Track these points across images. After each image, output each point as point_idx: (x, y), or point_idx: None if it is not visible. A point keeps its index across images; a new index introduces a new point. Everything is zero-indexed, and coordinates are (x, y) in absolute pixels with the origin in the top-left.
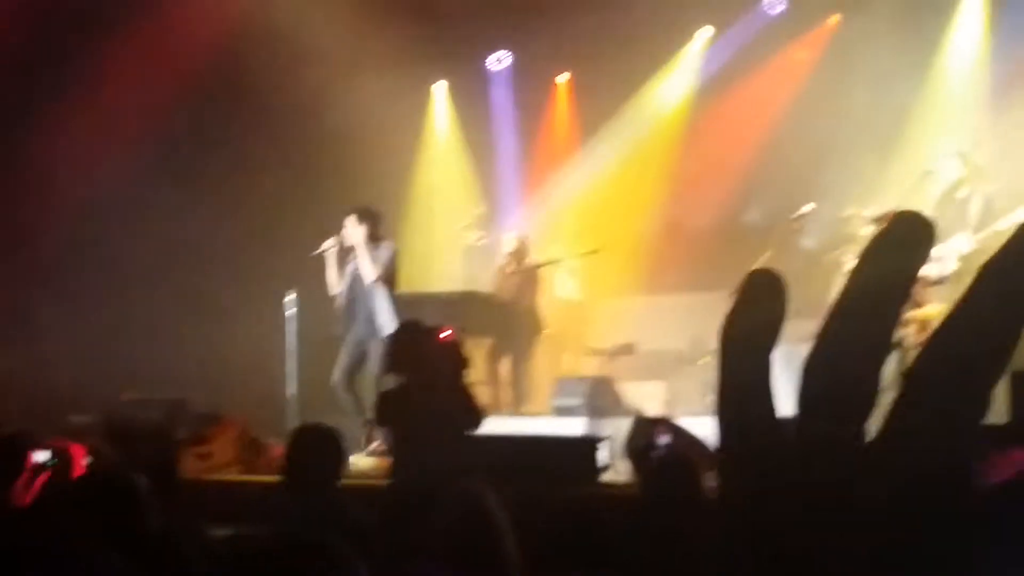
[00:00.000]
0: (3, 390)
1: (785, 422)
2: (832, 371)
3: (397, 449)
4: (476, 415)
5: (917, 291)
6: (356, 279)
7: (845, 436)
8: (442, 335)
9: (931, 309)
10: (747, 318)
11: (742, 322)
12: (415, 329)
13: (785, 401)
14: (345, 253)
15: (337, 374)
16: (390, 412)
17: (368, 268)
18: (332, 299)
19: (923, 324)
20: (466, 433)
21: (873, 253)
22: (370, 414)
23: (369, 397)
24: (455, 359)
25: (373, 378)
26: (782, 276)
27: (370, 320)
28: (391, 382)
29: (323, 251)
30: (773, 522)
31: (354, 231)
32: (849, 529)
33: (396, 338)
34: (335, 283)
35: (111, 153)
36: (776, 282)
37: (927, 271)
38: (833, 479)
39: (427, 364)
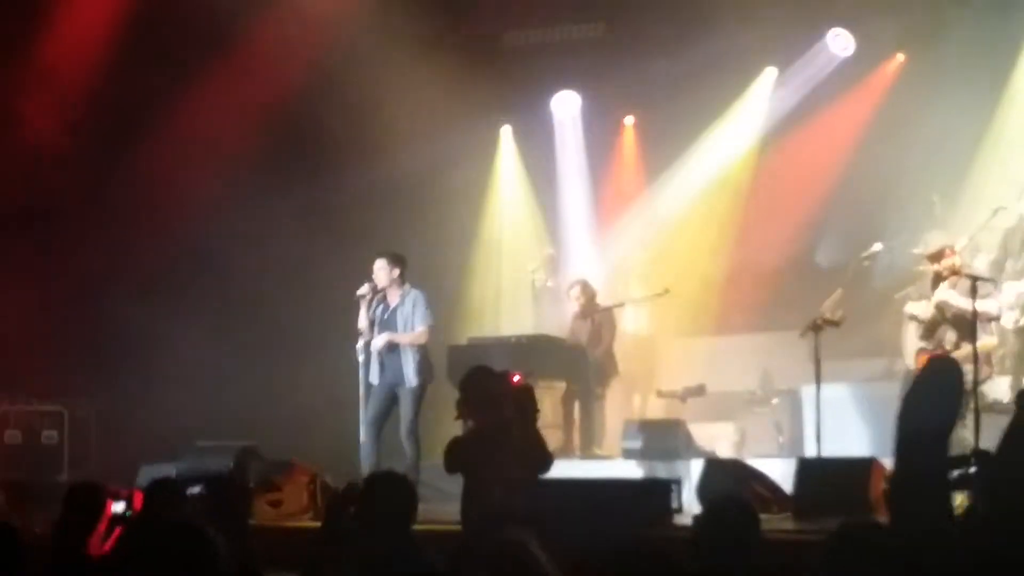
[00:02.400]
0: (82, 436)
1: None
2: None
3: (467, 494)
4: (546, 459)
5: (980, 325)
6: (385, 324)
7: None
8: (512, 379)
9: (987, 341)
10: (926, 408)
11: (921, 411)
12: (485, 374)
13: (857, 437)
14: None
15: (364, 426)
16: (460, 458)
17: (420, 317)
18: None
19: (986, 357)
20: (536, 477)
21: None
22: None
23: (395, 443)
24: (526, 403)
25: (404, 424)
26: (960, 367)
27: (399, 368)
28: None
29: (361, 296)
30: None
31: (388, 275)
32: None
33: (467, 383)
34: (367, 329)
35: (185, 196)
36: (955, 373)
37: (987, 308)
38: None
39: (498, 409)
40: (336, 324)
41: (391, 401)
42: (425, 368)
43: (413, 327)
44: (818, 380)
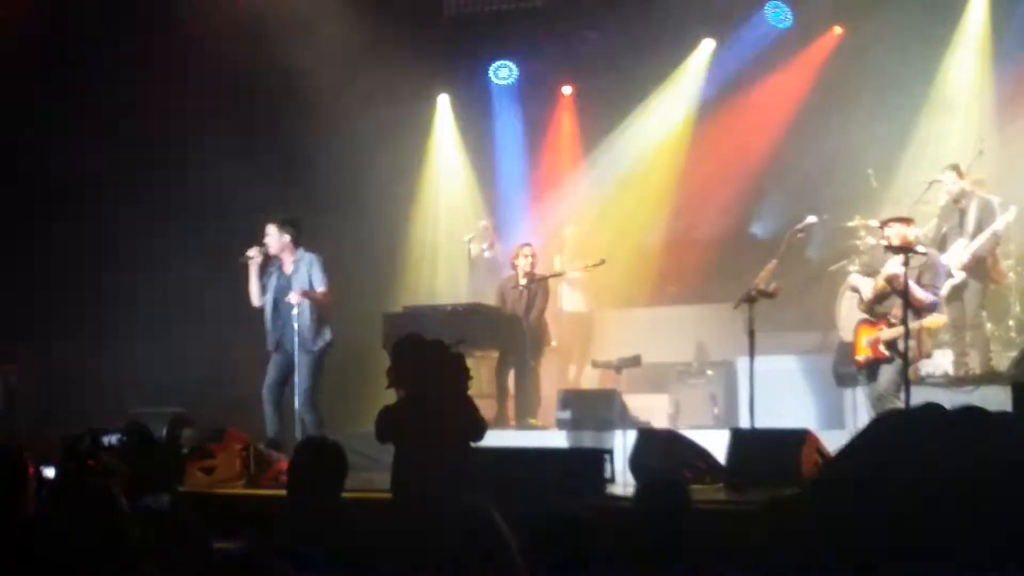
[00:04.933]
0: (12, 403)
1: None
2: None
3: (398, 463)
4: (478, 428)
5: (920, 310)
6: (281, 291)
7: None
8: (444, 348)
9: (929, 321)
10: None
11: None
12: (416, 342)
13: (791, 409)
14: (266, 264)
15: (266, 388)
16: (391, 427)
17: (318, 280)
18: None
19: (928, 334)
20: (468, 445)
21: None
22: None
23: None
24: (457, 371)
25: (300, 392)
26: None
27: (296, 332)
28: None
29: (247, 260)
30: None
31: (277, 240)
32: None
33: (397, 352)
34: (256, 295)
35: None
36: None
37: (923, 296)
38: None
39: (429, 377)
40: None
41: (290, 367)
42: (325, 333)
43: (313, 290)
44: (752, 352)
